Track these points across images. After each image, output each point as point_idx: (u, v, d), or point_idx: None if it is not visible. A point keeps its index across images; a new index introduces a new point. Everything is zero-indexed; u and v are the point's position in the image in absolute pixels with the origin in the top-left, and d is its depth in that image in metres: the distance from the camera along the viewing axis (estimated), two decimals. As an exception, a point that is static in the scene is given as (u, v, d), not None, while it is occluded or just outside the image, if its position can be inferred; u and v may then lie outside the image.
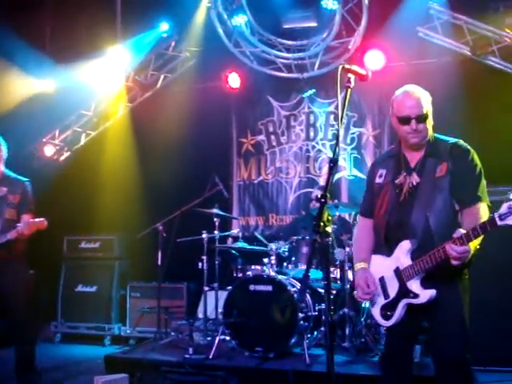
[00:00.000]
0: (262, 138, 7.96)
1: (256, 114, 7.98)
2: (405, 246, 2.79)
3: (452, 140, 2.90)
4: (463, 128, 6.00)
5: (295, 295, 5.02)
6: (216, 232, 5.77)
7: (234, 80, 7.51)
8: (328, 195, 2.29)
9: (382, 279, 2.91)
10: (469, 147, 2.87)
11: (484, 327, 4.28)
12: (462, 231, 2.51)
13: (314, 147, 7.71)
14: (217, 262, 5.76)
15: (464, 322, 2.76)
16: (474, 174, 2.81)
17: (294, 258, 5.65)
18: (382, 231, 2.92)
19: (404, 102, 2.84)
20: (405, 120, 2.82)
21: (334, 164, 2.42)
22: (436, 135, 2.92)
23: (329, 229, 2.22)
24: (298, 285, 5.29)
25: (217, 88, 7.58)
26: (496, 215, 2.40)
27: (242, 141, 8.04)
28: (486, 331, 4.36)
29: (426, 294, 2.73)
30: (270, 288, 5.20)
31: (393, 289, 2.83)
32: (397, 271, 2.80)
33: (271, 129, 7.93)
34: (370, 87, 6.93)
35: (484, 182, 2.81)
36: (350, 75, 2.57)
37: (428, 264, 2.66)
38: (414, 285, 2.75)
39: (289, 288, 5.13)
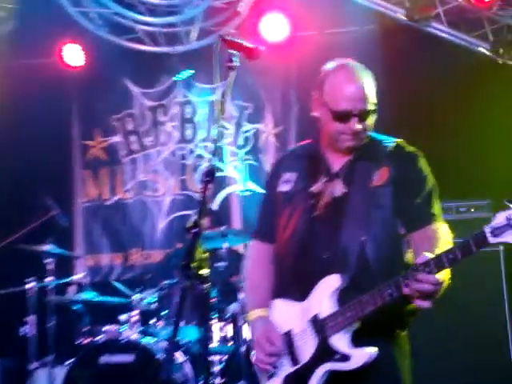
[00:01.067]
0: (117, 139, 7.85)
1: (108, 104, 7.82)
2: (330, 283, 2.67)
3: (394, 140, 2.90)
4: (395, 118, 6.21)
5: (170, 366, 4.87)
6: (49, 279, 5.64)
7: (73, 55, 7.33)
8: (202, 222, 2.29)
9: (287, 335, 2.78)
10: (418, 151, 2.87)
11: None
12: (429, 255, 2.45)
13: (192, 152, 7.70)
14: (51, 324, 5.59)
15: None
16: (426, 185, 2.80)
17: (165, 312, 5.55)
18: (289, 262, 2.82)
19: (344, 88, 2.77)
20: (342, 116, 2.76)
21: (210, 178, 2.39)
22: (374, 135, 2.90)
23: (205, 271, 2.21)
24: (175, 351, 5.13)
25: (48, 66, 7.37)
26: (487, 229, 2.32)
27: (88, 144, 7.87)
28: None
29: (361, 355, 2.59)
30: (131, 358, 5.16)
31: (306, 349, 2.71)
32: (315, 322, 2.69)
33: (130, 126, 7.84)
34: (270, 66, 6.99)
35: (438, 198, 2.83)
36: (232, 51, 2.58)
37: (369, 307, 2.56)
38: (342, 341, 2.63)
39: (158, 356, 5.05)
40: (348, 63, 2.84)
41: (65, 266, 6.82)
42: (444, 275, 2.47)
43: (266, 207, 3.06)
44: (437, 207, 2.80)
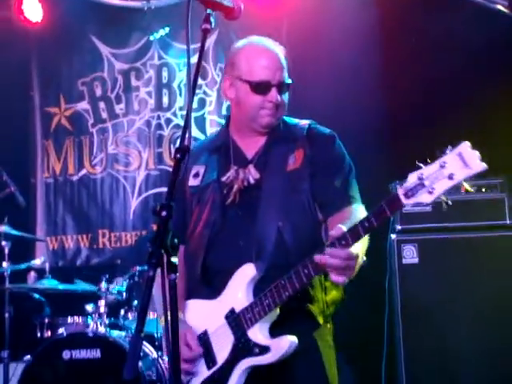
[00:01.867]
0: (84, 106, 7.80)
1: (73, 66, 7.80)
2: (245, 273, 2.79)
3: (307, 121, 3.12)
4: (397, 87, 6.19)
5: (140, 363, 5.06)
6: (5, 264, 5.63)
7: (32, 9, 7.28)
8: (173, 204, 2.31)
9: (202, 336, 2.88)
10: (334, 133, 3.09)
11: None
12: (343, 227, 2.59)
13: (169, 121, 7.66)
14: (7, 315, 5.59)
15: None
16: (342, 165, 3.00)
17: (136, 302, 5.61)
18: (199, 258, 2.94)
19: (261, 57, 3.00)
20: (261, 87, 2.97)
21: (182, 156, 2.41)
22: (284, 118, 3.12)
23: (175, 259, 2.20)
24: (145, 345, 5.33)
25: (3, 21, 7.31)
26: (400, 190, 2.43)
27: (51, 111, 7.82)
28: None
29: (281, 345, 2.69)
30: (97, 353, 5.21)
31: (223, 347, 2.81)
32: (230, 316, 2.81)
33: (99, 91, 7.79)
34: (257, 25, 6.88)
35: (355, 180, 3.03)
36: (208, 10, 2.60)
37: (287, 292, 2.69)
38: (261, 333, 2.74)
39: None
40: (259, 38, 3.08)
41: (23, 250, 6.86)
42: (359, 250, 2.60)
43: (177, 206, 3.14)
44: (354, 189, 3.00)
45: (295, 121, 3.13)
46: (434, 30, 6.27)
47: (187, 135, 2.41)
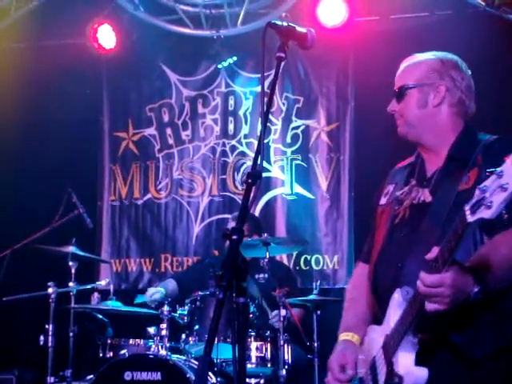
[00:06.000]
0: (151, 131, 7.90)
1: (143, 92, 7.93)
2: (395, 297, 2.66)
3: (496, 136, 2.83)
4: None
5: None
6: (71, 284, 5.70)
7: (106, 36, 7.38)
8: (244, 229, 2.31)
9: (373, 363, 2.78)
10: None
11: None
12: (437, 249, 2.37)
13: (234, 148, 7.72)
14: (71, 334, 5.65)
15: None
16: None
17: (197, 327, 5.55)
18: (370, 280, 2.91)
19: None
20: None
21: (254, 181, 2.40)
22: (480, 134, 2.89)
23: (244, 283, 2.24)
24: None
25: (77, 48, 7.42)
26: (467, 207, 2.17)
27: (119, 135, 7.94)
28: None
29: (411, 375, 2.50)
30: (157, 376, 5.18)
31: (382, 376, 2.70)
32: (386, 344, 2.71)
33: (167, 118, 7.89)
34: (325, 55, 7.00)
35: None
36: (282, 39, 2.61)
37: (409, 317, 2.51)
38: (401, 362, 2.56)
39: (189, 376, 5.05)
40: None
41: (88, 271, 6.95)
42: (465, 280, 2.36)
43: (371, 226, 3.14)
44: None
45: (484, 136, 2.85)
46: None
47: (259, 161, 2.41)
